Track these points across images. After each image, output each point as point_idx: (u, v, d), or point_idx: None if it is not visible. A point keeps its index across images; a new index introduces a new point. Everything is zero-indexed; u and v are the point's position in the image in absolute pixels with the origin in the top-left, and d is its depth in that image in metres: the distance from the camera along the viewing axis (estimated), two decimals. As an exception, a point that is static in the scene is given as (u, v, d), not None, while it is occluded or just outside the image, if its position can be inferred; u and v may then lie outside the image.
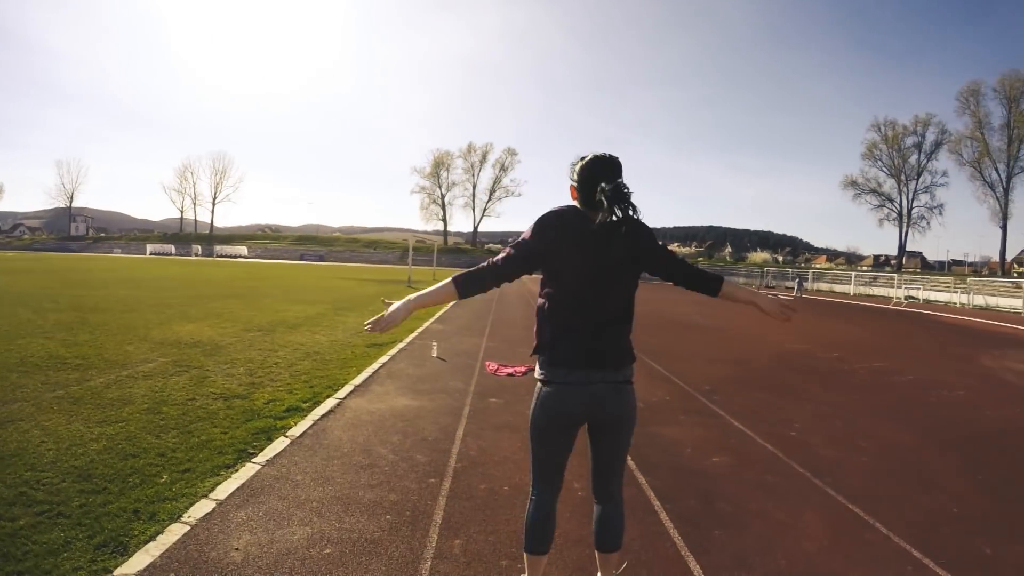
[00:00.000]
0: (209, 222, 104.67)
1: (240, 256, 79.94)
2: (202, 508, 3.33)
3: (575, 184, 2.20)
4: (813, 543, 3.43)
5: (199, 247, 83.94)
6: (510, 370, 7.93)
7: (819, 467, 4.75)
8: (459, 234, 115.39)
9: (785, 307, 2.39)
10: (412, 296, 2.15)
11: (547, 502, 2.31)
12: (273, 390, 6.04)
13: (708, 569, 3.04)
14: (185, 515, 3.23)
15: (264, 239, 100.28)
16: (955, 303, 37.95)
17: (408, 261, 35.37)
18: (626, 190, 2.11)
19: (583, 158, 2.20)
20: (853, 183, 70.66)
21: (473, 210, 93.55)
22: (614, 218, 2.07)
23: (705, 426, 5.74)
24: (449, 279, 2.12)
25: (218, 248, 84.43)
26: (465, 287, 2.10)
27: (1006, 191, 56.40)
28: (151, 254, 77.51)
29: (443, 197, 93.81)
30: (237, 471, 3.90)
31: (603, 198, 2.08)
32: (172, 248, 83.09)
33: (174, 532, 3.05)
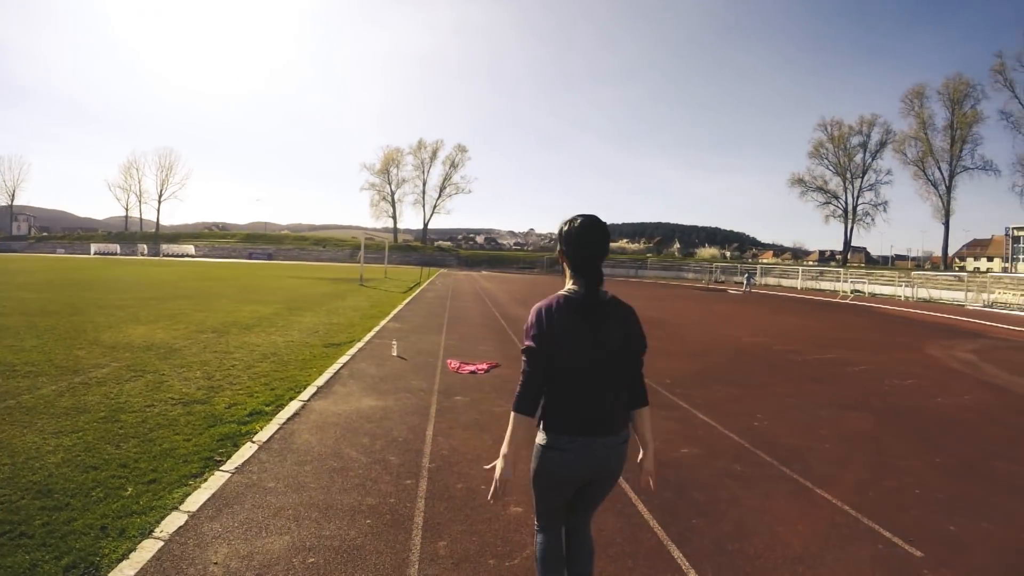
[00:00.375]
0: (155, 220, 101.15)
1: (187, 255, 77.48)
2: (174, 521, 3.18)
3: (562, 248, 2.22)
4: (787, 527, 3.55)
5: (145, 246, 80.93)
6: (472, 368, 7.92)
7: (785, 455, 4.89)
8: (408, 231, 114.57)
9: (649, 476, 2.37)
10: (504, 447, 2.16)
11: (556, 535, 2.35)
12: (233, 394, 5.86)
13: (691, 557, 3.10)
14: (157, 530, 3.07)
15: (211, 237, 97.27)
16: (900, 296, 39.63)
17: (360, 259, 34.90)
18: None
19: (572, 222, 2.21)
20: (800, 181, 73.31)
21: (423, 207, 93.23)
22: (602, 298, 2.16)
23: (671, 419, 5.84)
24: (513, 414, 2.11)
25: (165, 247, 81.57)
26: (524, 409, 2.11)
27: (948, 189, 59.47)
28: (96, 254, 74.15)
29: (393, 194, 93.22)
30: (206, 480, 3.75)
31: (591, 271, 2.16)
32: (117, 247, 79.84)
33: (147, 549, 2.89)
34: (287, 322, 11.92)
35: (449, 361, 8.34)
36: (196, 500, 3.45)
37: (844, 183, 70.50)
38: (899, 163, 64.69)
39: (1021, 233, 77.83)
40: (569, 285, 2.20)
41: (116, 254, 75.36)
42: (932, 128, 60.29)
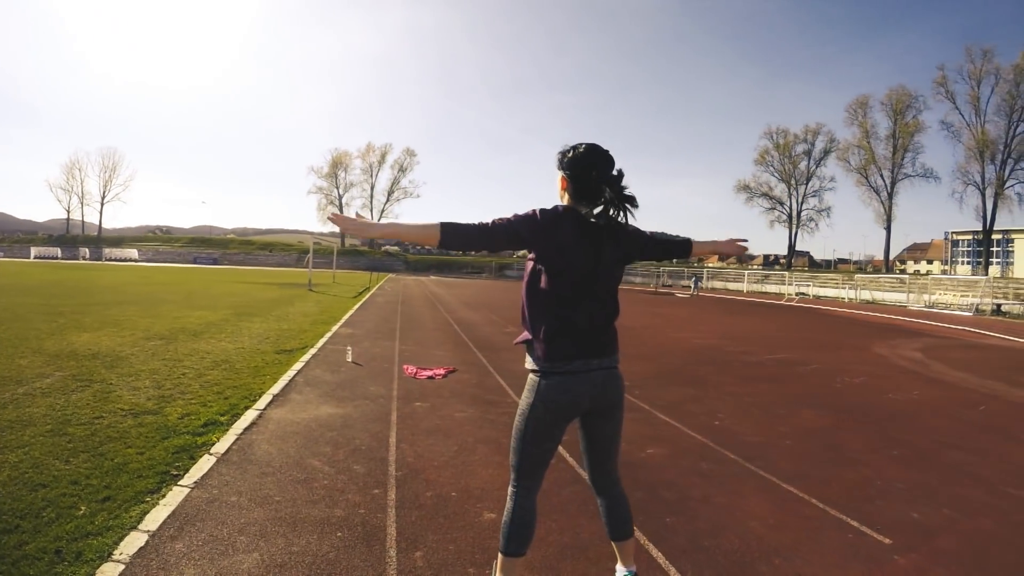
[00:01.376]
0: (97, 223, 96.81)
1: (131, 259, 74.97)
2: (134, 542, 3.00)
3: (567, 174, 2.20)
4: (759, 522, 3.66)
5: (87, 250, 77.65)
6: (429, 373, 7.87)
7: (749, 452, 5.04)
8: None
9: (736, 241, 2.59)
10: (394, 222, 2.11)
11: (532, 499, 2.28)
12: (185, 403, 5.63)
13: (669, 554, 3.16)
14: (116, 552, 2.89)
15: (155, 241, 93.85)
16: (843, 298, 41.46)
17: (308, 264, 34.32)
18: (627, 188, 2.17)
19: (575, 148, 2.21)
20: (746, 187, 75.94)
21: (371, 211, 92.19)
22: (613, 213, 2.14)
23: (634, 420, 5.92)
24: (436, 222, 2.02)
25: (107, 251, 78.44)
26: (450, 234, 2.00)
27: (890, 195, 62.98)
28: (36, 257, 71.06)
29: (340, 198, 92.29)
30: (164, 496, 3.57)
31: (608, 195, 2.13)
32: (58, 251, 76.46)
33: (107, 573, 2.72)
34: (236, 328, 11.59)
35: (406, 366, 8.26)
36: (155, 518, 3.28)
37: (789, 189, 73.47)
38: (842, 170, 68.04)
39: (960, 237, 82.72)
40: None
41: (57, 258, 72.69)
42: (875, 137, 63.87)
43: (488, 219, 2.08)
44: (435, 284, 41.64)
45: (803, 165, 72.37)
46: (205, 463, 4.13)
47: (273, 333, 11.19)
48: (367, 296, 24.41)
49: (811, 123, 79.11)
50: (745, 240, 2.69)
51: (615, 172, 2.17)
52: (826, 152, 70.79)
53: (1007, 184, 52.58)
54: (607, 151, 2.20)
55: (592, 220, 2.14)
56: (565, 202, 2.24)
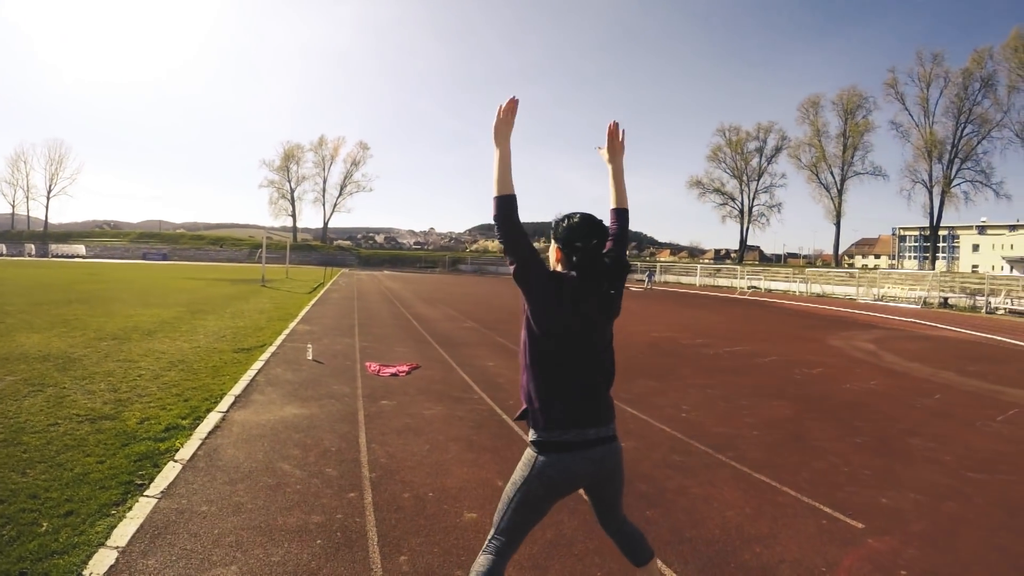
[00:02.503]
0: (43, 218, 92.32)
1: (78, 255, 71.80)
2: (103, 560, 2.83)
3: (560, 247, 2.22)
4: (736, 511, 3.77)
5: (33, 246, 73.95)
6: (392, 370, 7.80)
7: (718, 443, 5.17)
8: (307, 230, 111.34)
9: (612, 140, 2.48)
10: (503, 150, 2.11)
11: (506, 561, 2.20)
12: (144, 407, 5.40)
13: (655, 547, 3.15)
14: (85, 571, 2.72)
15: (103, 236, 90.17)
16: (794, 291, 42.77)
17: (261, 259, 33.58)
18: (604, 259, 2.21)
19: (569, 218, 2.22)
20: (699, 183, 77.62)
21: (323, 205, 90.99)
22: (594, 275, 2.16)
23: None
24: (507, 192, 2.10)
25: (54, 247, 74.89)
26: (509, 202, 2.11)
27: (840, 192, 65.41)
28: None
29: (292, 192, 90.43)
30: (130, 508, 3.39)
31: (580, 261, 2.15)
32: (3, 247, 72.65)
33: None
34: (191, 326, 11.23)
35: (368, 364, 8.17)
36: (124, 533, 3.10)
37: (741, 185, 75.34)
38: (794, 167, 70.06)
39: (907, 233, 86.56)
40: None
41: (2, 255, 69.11)
42: (826, 135, 66.18)
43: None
44: (389, 279, 41.23)
45: (755, 162, 74.47)
46: (170, 471, 3.96)
47: (229, 331, 10.90)
48: (322, 292, 24.02)
49: (763, 121, 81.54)
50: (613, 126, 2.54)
51: (594, 246, 2.18)
52: (778, 149, 73.03)
53: (954, 183, 55.36)
54: (600, 222, 2.23)
55: (581, 285, 2.15)
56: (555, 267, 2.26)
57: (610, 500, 2.34)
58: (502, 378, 7.70)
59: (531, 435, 2.16)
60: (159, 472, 3.93)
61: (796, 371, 9.33)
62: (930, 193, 56.37)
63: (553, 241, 2.25)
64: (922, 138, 56.03)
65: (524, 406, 2.20)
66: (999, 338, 16.57)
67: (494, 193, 2.10)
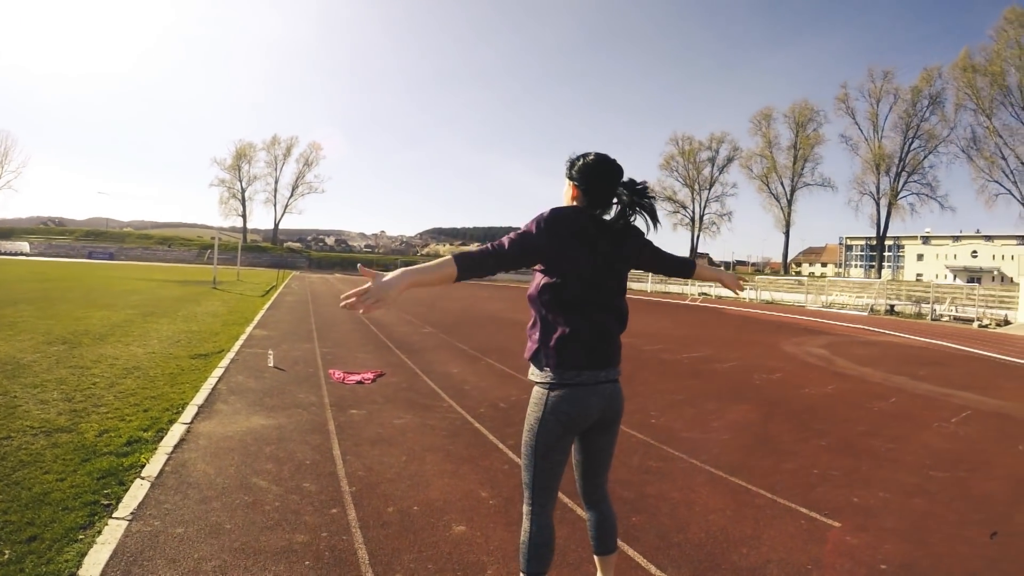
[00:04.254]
0: None
1: (22, 253, 68.58)
2: None
3: (577, 183, 2.24)
4: (718, 514, 3.90)
5: None
6: (357, 377, 7.72)
7: (690, 448, 5.32)
8: (256, 231, 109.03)
9: (740, 279, 2.72)
10: (410, 269, 1.95)
11: (549, 517, 2.27)
12: (101, 418, 5.15)
13: (645, 553, 3.30)
14: None
15: (48, 233, 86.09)
16: (744, 298, 43.94)
17: (213, 260, 32.67)
18: (650, 194, 2.25)
19: (585, 156, 2.25)
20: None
21: (275, 206, 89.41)
22: (629, 220, 2.22)
23: (572, 420, 6.05)
24: (448, 256, 2.01)
25: None
26: (466, 268, 2.01)
27: (790, 202, 68.29)
28: None
29: (243, 191, 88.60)
30: (99, 532, 3.18)
31: (624, 198, 2.19)
32: None
33: None
34: (143, 330, 10.82)
35: (331, 371, 8.06)
36: (96, 560, 2.90)
37: (692, 194, 77.57)
38: (745, 177, 72.45)
39: (853, 242, 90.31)
40: None
41: None
42: (777, 147, 69.18)
43: (494, 242, 2.09)
44: (342, 282, 40.62)
45: (707, 171, 77.03)
46: (138, 489, 3.77)
47: (183, 335, 10.57)
48: (275, 295, 23.52)
49: (716, 131, 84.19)
50: (745, 281, 2.85)
51: (636, 183, 2.24)
52: (729, 160, 75.84)
53: (900, 195, 58.51)
54: (615, 160, 2.26)
55: (603, 221, 2.20)
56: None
57: (602, 455, 2.37)
58: (468, 385, 7.71)
59: (540, 375, 2.18)
60: (126, 491, 3.74)
61: (755, 376, 9.63)
62: (877, 204, 59.34)
63: (568, 180, 2.27)
64: (871, 151, 59.01)
65: (533, 347, 2.23)
66: (945, 344, 17.49)
67: (449, 283, 2.04)
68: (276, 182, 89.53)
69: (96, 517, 3.35)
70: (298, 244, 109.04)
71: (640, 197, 2.21)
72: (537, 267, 2.19)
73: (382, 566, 3.02)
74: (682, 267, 2.67)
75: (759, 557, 3.29)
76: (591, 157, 2.23)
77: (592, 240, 2.15)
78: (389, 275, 1.93)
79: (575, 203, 2.25)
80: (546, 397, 2.15)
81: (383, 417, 5.90)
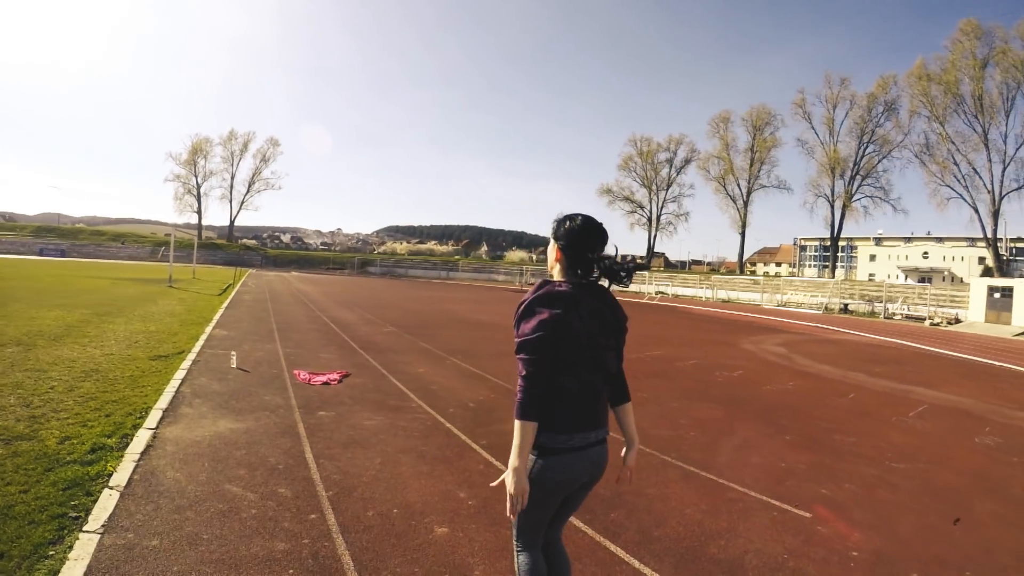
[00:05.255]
0: None
1: None
2: None
3: (561, 246, 2.28)
4: (694, 509, 4.03)
5: None
6: (323, 378, 7.64)
7: (660, 445, 5.46)
8: (211, 228, 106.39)
9: (628, 475, 2.52)
10: (514, 460, 2.07)
11: (538, 551, 2.33)
12: (62, 424, 4.94)
13: (627, 548, 3.38)
14: None
15: None
16: (701, 297, 44.94)
17: (168, 258, 31.81)
18: (623, 270, 2.27)
19: (572, 219, 2.29)
20: (609, 191, 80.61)
21: (231, 202, 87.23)
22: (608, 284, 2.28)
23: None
24: (519, 422, 2.08)
25: None
26: (533, 413, 2.10)
27: (746, 203, 69.97)
28: None
29: (199, 187, 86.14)
30: (71, 547, 3.05)
31: (600, 269, 2.25)
32: None
33: None
34: (100, 331, 10.44)
35: (296, 372, 7.95)
36: None
37: (650, 194, 78.67)
38: (702, 179, 73.73)
39: (807, 243, 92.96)
40: (559, 278, 2.27)
41: None
42: (734, 149, 70.68)
43: (523, 368, 2.12)
44: (299, 281, 39.96)
45: (664, 172, 78.16)
46: (108, 500, 3.64)
47: (142, 336, 10.26)
48: (233, 294, 22.96)
49: (674, 133, 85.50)
50: (629, 482, 2.57)
51: (614, 260, 2.29)
52: (687, 161, 77.23)
53: (854, 198, 60.50)
54: (601, 225, 2.32)
55: (589, 288, 2.26)
56: (557, 270, 2.32)
57: (571, 509, 2.42)
58: (436, 385, 7.71)
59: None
60: (95, 501, 3.60)
61: (717, 374, 9.88)
62: (832, 207, 61.13)
63: (553, 240, 2.31)
64: (826, 155, 60.84)
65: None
66: (899, 341, 18.25)
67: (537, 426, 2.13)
68: (232, 178, 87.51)
69: (66, 531, 3.22)
70: (254, 241, 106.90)
71: (614, 274, 2.26)
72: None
73: (368, 572, 3.01)
74: (621, 391, 2.44)
75: (736, 548, 3.41)
76: (578, 221, 2.28)
77: (579, 316, 2.17)
78: (511, 477, 2.09)
79: (558, 263, 2.30)
80: (533, 463, 2.17)
81: (353, 419, 5.86)
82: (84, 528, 3.27)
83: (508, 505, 2.10)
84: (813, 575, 3.19)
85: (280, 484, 4.09)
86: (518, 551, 2.31)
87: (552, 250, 2.32)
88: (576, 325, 2.16)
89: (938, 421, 7.18)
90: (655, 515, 3.86)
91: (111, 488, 3.81)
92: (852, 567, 3.31)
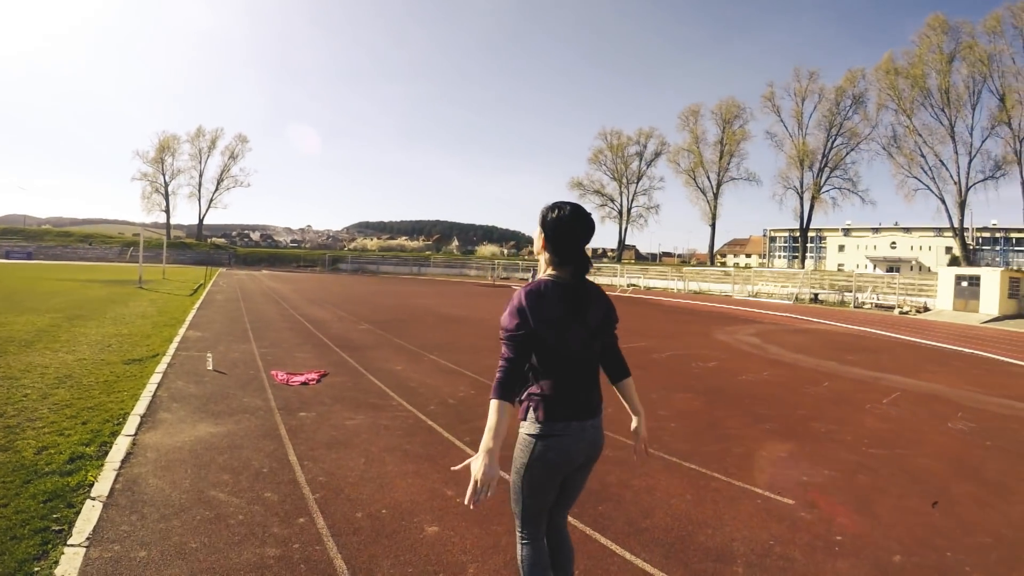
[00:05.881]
0: None
1: None
2: None
3: (548, 236, 2.30)
4: (678, 498, 4.11)
5: None
6: (302, 378, 7.57)
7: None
8: (179, 227, 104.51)
9: (643, 447, 2.64)
10: (488, 441, 2.06)
11: (541, 541, 2.39)
12: (38, 434, 4.80)
13: (617, 540, 3.44)
14: None
15: None
16: (673, 289, 45.43)
17: (138, 259, 31.15)
18: (589, 261, 2.36)
19: (560, 208, 2.31)
20: (579, 184, 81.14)
21: (199, 200, 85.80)
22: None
23: (521, 416, 6.16)
24: (494, 401, 2.11)
25: None
26: (509, 395, 2.13)
27: (716, 195, 71.04)
28: None
29: (167, 185, 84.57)
30: (56, 562, 2.95)
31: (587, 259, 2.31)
32: None
33: None
34: (71, 335, 10.17)
35: (274, 372, 7.87)
36: None
37: (620, 187, 79.21)
38: (672, 171, 74.44)
39: (777, 234, 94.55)
40: (550, 271, 2.30)
41: None
42: (704, 142, 71.63)
43: (504, 354, 2.17)
44: (270, 279, 39.44)
45: (635, 165, 78.77)
46: (91, 511, 3.54)
47: (114, 339, 10.04)
48: (204, 294, 22.58)
49: (645, 127, 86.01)
50: (646, 447, 2.69)
51: (588, 239, 2.33)
52: (657, 154, 77.90)
53: (823, 190, 61.75)
54: (589, 215, 2.34)
55: (576, 283, 2.29)
56: (543, 258, 2.35)
57: (572, 491, 2.47)
58: (415, 382, 7.70)
59: (528, 426, 2.25)
60: (77, 513, 3.50)
61: (693, 365, 10.04)
62: (801, 198, 62.30)
63: (540, 228, 2.33)
64: (795, 148, 61.97)
65: (520, 397, 2.29)
66: (869, 330, 18.69)
67: (511, 408, 2.14)
68: (201, 175, 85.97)
69: (50, 545, 3.13)
70: (223, 240, 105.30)
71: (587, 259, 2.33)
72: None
73: (363, 574, 3.00)
74: (619, 368, 2.54)
75: (724, 536, 3.49)
76: (566, 211, 2.29)
77: (568, 307, 2.24)
78: (481, 460, 2.04)
79: (544, 252, 2.33)
80: (533, 445, 2.23)
81: (334, 419, 5.83)
82: (69, 542, 3.17)
83: (469, 491, 2.03)
84: (800, 560, 3.28)
85: (266, 488, 4.05)
86: (523, 543, 2.35)
87: (538, 239, 2.34)
88: (561, 317, 2.21)
89: (912, 407, 7.40)
90: (642, 506, 3.92)
91: (93, 499, 3.72)
92: (837, 551, 3.41)
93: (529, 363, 2.25)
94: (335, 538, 3.37)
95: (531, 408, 2.25)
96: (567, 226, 2.27)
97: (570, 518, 3.68)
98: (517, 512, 2.34)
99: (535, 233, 2.38)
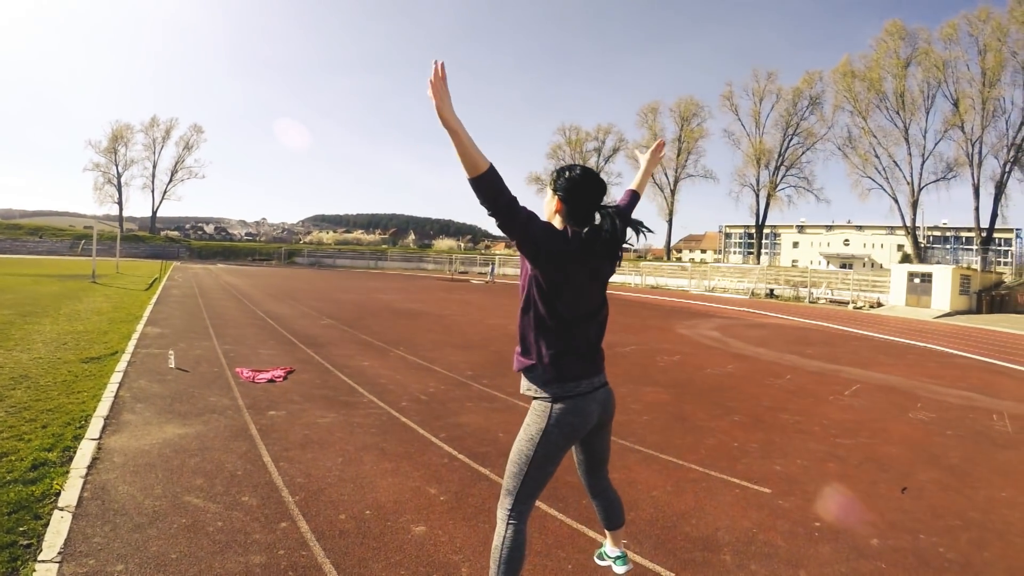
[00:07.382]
0: None
1: None
2: None
3: (561, 197, 2.29)
4: (659, 490, 4.19)
5: None
6: (268, 375, 7.41)
7: (617, 431, 5.60)
8: (132, 219, 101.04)
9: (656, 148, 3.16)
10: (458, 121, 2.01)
11: (525, 524, 2.33)
12: None
13: (600, 533, 3.44)
14: None
15: None
16: (631, 283, 46.08)
17: (91, 252, 30.00)
18: (635, 220, 2.40)
19: (571, 169, 2.32)
20: (537, 179, 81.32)
21: (152, 192, 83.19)
22: (607, 234, 2.26)
23: (496, 410, 6.25)
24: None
25: None
26: (493, 178, 2.05)
27: (673, 192, 71.82)
28: None
29: (119, 176, 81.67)
30: None
31: (608, 220, 2.24)
32: None
33: None
34: (24, 332, 9.69)
35: (239, 370, 7.68)
36: None
37: (577, 183, 79.53)
38: (630, 168, 75.13)
39: (732, 231, 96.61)
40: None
41: None
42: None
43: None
44: (227, 273, 38.43)
45: (592, 161, 79.24)
46: (60, 523, 3.35)
47: (70, 337, 9.61)
48: (160, 288, 21.88)
49: (603, 123, 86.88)
50: (661, 144, 3.18)
51: (623, 210, 2.47)
52: (615, 150, 78.74)
53: (779, 188, 63.35)
54: (599, 176, 2.36)
55: (589, 239, 2.27)
56: (557, 222, 2.32)
57: (601, 452, 2.53)
58: (384, 379, 7.61)
59: (540, 391, 2.27)
60: (45, 526, 3.30)
61: (658, 359, 10.21)
62: (757, 196, 63.90)
63: (552, 192, 2.33)
64: (752, 146, 63.55)
65: (529, 362, 2.29)
66: (826, 324, 19.33)
67: (468, 176, 2.03)
68: (154, 166, 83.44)
69: (19, 562, 2.94)
70: (176, 233, 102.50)
71: (623, 220, 2.29)
72: (530, 270, 2.25)
73: (353, 578, 2.95)
74: (635, 200, 2.98)
75: (708, 526, 3.58)
76: (577, 171, 2.30)
77: (582, 256, 2.23)
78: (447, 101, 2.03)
79: (558, 215, 2.31)
80: (549, 410, 2.24)
81: (306, 417, 5.71)
82: (40, 557, 2.98)
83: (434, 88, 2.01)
84: (783, 546, 3.39)
85: (243, 492, 3.92)
86: (510, 523, 2.28)
87: (551, 202, 2.34)
88: (573, 271, 2.22)
89: (872, 398, 7.70)
90: (626, 499, 3.93)
91: (61, 509, 3.52)
92: (817, 536, 3.54)
93: (534, 317, 2.26)
94: (321, 542, 3.29)
95: (539, 370, 2.26)
96: (583, 187, 2.28)
97: (555, 512, 3.74)
98: (513, 488, 2.29)
99: (547, 199, 2.37)
